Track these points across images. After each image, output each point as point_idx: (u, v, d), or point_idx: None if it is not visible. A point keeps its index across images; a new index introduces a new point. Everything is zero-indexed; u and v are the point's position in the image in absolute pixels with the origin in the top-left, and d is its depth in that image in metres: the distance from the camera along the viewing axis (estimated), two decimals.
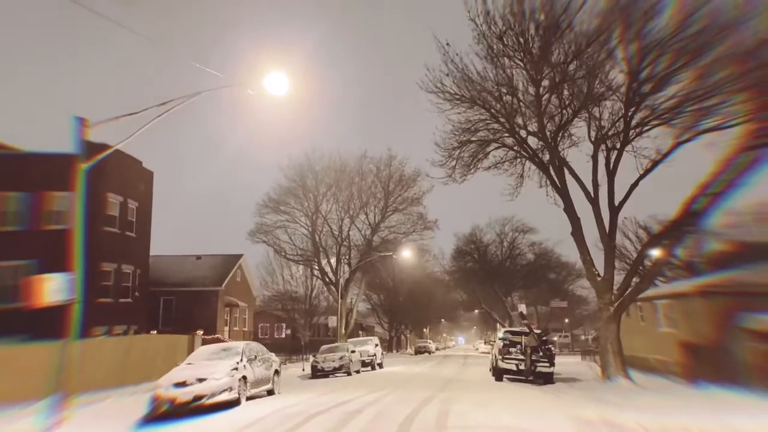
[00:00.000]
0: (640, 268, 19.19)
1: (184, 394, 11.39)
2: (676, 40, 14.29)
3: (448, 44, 17.88)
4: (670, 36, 14.41)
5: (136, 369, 17.03)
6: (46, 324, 12.60)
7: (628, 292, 17.61)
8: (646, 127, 16.98)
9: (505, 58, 17.92)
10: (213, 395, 11.65)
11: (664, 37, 14.60)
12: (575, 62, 17.00)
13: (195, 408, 11.40)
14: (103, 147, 12.02)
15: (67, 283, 9.87)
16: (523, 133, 19.25)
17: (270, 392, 14.73)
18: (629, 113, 17.01)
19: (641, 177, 17.17)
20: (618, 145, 17.83)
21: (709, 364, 15.35)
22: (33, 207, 22.04)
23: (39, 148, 28.92)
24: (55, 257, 12.24)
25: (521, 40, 17.27)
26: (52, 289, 9.64)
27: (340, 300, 35.76)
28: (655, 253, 18.23)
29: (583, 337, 63.69)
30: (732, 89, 13.44)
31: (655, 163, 16.88)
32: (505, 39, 17.29)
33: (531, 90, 18.42)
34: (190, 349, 19.58)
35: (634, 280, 18.55)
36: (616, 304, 17.36)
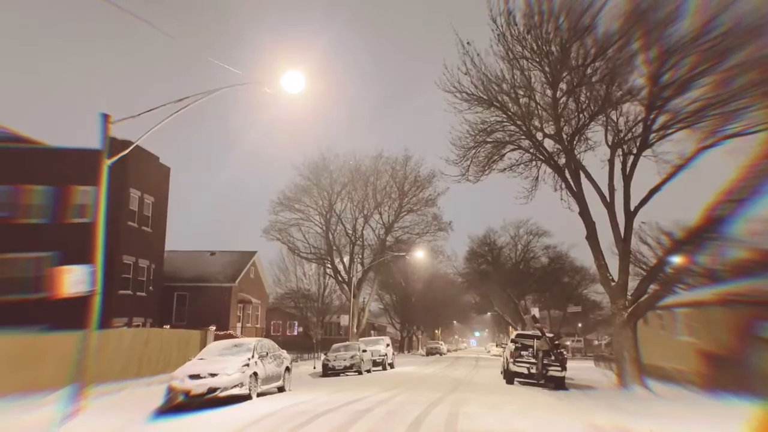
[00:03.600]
0: (660, 274, 18.88)
1: (198, 386, 11.64)
2: (699, 43, 14.03)
3: (468, 43, 17.82)
4: (692, 39, 14.15)
5: (152, 361, 17.34)
6: (68, 314, 12.93)
7: (644, 298, 17.35)
8: (669, 131, 16.71)
9: (524, 60, 17.80)
10: (225, 389, 11.85)
11: (686, 41, 14.34)
12: (594, 65, 16.81)
13: (208, 401, 11.60)
14: (126, 143, 12.29)
15: (88, 275, 10.11)
16: (539, 135, 19.12)
17: (281, 389, 14.85)
18: (650, 117, 16.75)
19: (663, 182, 16.88)
20: (635, 150, 17.59)
21: (729, 374, 15.03)
22: (57, 200, 22.62)
23: (63, 143, 29.56)
24: (78, 250, 12.54)
25: (540, 41, 17.13)
26: (74, 280, 9.89)
27: (352, 299, 35.89)
28: (676, 259, 17.90)
29: (596, 342, 62.87)
30: (755, 94, 13.15)
31: (678, 168, 16.57)
32: (524, 40, 17.18)
33: (548, 92, 18.29)
34: (203, 345, 19.84)
35: (652, 286, 18.25)
36: (630, 309, 17.12)
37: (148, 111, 11.21)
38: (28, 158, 23.21)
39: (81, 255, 11.12)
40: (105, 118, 10.97)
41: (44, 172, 22.78)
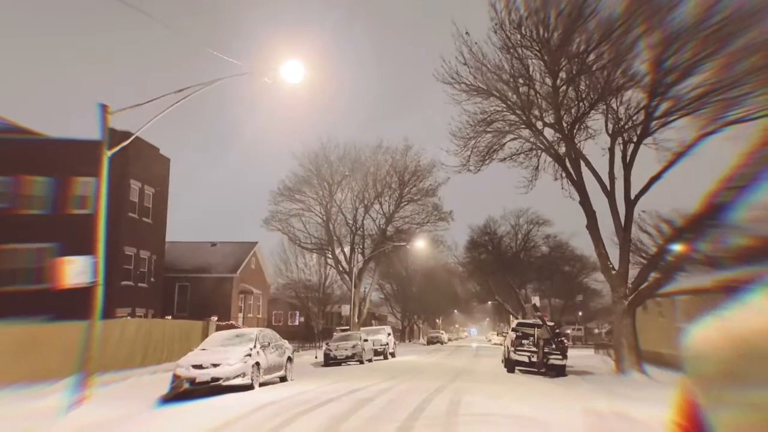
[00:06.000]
0: (661, 262, 18.93)
1: (203, 374, 11.85)
2: (702, 27, 13.91)
3: (467, 33, 17.70)
4: (696, 23, 14.03)
5: (156, 351, 17.49)
6: (71, 304, 13.02)
7: (644, 285, 17.42)
8: (671, 118, 16.64)
9: (522, 49, 17.69)
10: (227, 379, 12.00)
11: (689, 25, 14.22)
12: (595, 52, 16.69)
13: (212, 388, 11.74)
14: (126, 134, 12.25)
15: (89, 265, 10.15)
16: (539, 124, 19.06)
17: (283, 379, 14.97)
18: (652, 103, 16.67)
19: (664, 169, 16.85)
20: (635, 138, 17.54)
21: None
22: (58, 191, 22.63)
23: (62, 134, 29.50)
24: (79, 241, 12.57)
25: (540, 29, 16.99)
26: (76, 271, 9.93)
27: (353, 289, 36.03)
28: (677, 247, 17.93)
29: (596, 331, 63.14)
30: (757, 80, 13.07)
31: (679, 156, 16.54)
32: (523, 28, 17.05)
33: (548, 81, 18.20)
34: (205, 335, 19.94)
35: (653, 274, 18.32)
36: (630, 297, 17.21)
37: (148, 102, 11.17)
38: (28, 149, 23.17)
39: (82, 246, 11.16)
40: (104, 108, 10.92)
41: (45, 163, 22.75)
